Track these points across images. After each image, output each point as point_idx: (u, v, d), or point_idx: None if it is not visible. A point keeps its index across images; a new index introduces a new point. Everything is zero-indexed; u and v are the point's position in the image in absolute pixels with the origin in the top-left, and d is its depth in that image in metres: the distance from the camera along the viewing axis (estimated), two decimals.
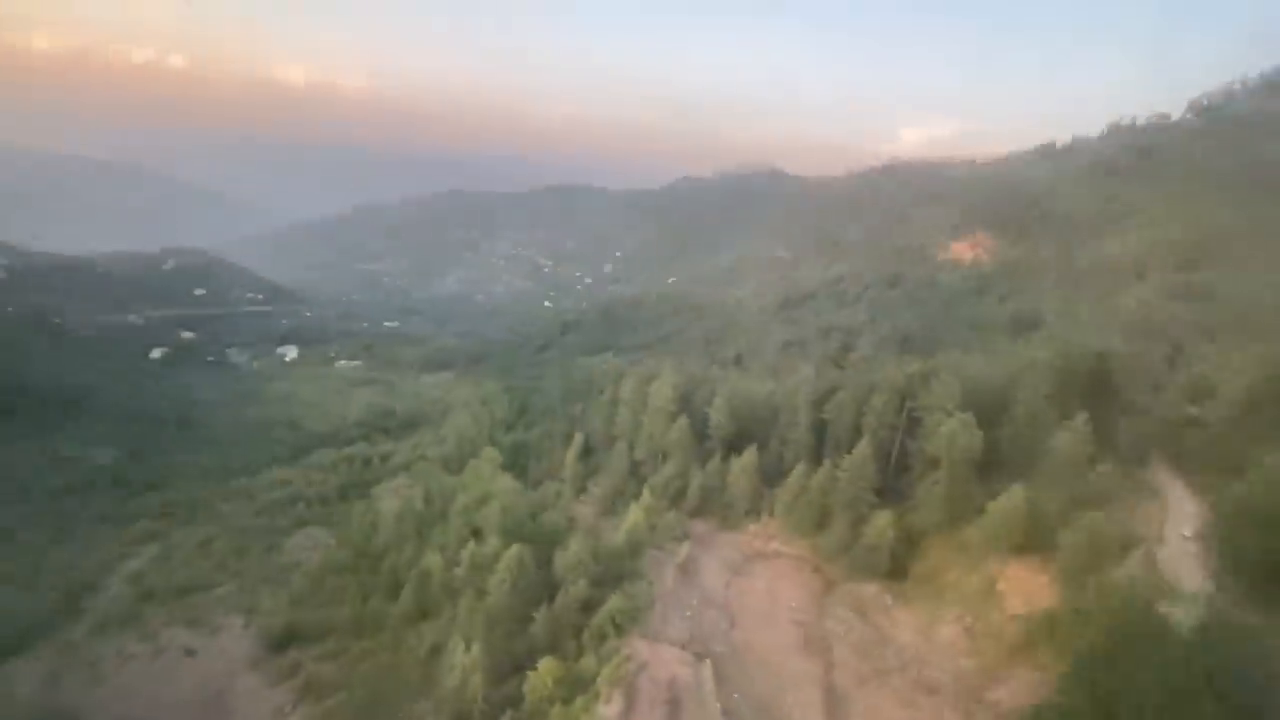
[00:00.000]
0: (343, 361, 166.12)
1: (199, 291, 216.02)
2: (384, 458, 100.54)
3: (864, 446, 52.05)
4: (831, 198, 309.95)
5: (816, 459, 61.08)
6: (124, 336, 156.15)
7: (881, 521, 47.57)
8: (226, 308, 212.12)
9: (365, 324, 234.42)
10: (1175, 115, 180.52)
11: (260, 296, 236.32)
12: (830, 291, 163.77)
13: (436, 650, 46.34)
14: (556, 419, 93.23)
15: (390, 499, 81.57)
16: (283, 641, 52.64)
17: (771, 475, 63.07)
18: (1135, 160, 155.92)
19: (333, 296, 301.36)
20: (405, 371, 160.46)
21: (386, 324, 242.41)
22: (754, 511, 60.28)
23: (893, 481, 55.90)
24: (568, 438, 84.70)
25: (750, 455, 60.72)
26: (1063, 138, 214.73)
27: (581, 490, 76.92)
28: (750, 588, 48.33)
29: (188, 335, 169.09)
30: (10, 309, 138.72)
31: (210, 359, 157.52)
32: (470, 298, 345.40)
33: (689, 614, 43.85)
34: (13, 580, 59.63)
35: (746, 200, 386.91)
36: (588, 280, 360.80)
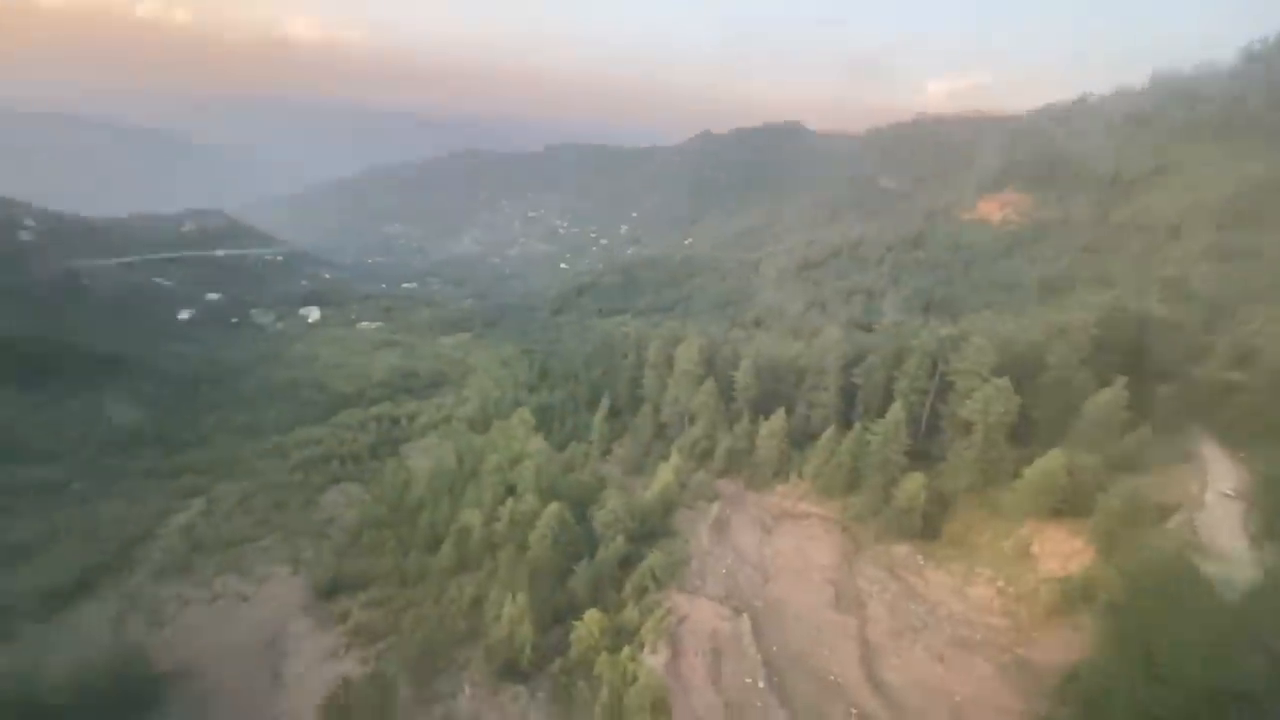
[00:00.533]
0: (364, 323, 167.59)
1: (220, 253, 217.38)
2: (410, 417, 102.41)
3: (897, 410, 52.24)
4: (854, 155, 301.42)
5: (845, 422, 61.62)
6: (152, 297, 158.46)
7: (914, 484, 48.11)
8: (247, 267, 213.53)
9: (383, 285, 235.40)
10: (1227, 63, 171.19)
11: (280, 258, 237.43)
12: (852, 254, 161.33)
13: (478, 601, 48.20)
14: (579, 382, 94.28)
15: (421, 457, 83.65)
16: (330, 590, 55.10)
17: (798, 437, 63.83)
18: (1179, 112, 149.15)
19: (350, 258, 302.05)
20: (424, 333, 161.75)
21: (404, 286, 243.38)
22: (781, 473, 61.25)
23: (923, 444, 56.32)
24: (592, 401, 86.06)
25: (779, 418, 61.24)
26: (1103, 89, 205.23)
27: (607, 452, 78.48)
28: (782, 546, 49.49)
29: (213, 297, 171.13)
30: (42, 271, 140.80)
31: (235, 320, 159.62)
32: (486, 259, 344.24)
33: (724, 570, 45.22)
34: (70, 530, 62.63)
35: (766, 158, 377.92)
36: (604, 241, 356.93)
